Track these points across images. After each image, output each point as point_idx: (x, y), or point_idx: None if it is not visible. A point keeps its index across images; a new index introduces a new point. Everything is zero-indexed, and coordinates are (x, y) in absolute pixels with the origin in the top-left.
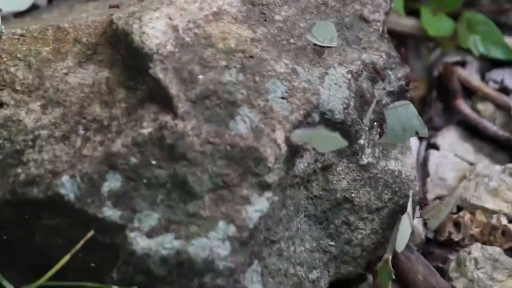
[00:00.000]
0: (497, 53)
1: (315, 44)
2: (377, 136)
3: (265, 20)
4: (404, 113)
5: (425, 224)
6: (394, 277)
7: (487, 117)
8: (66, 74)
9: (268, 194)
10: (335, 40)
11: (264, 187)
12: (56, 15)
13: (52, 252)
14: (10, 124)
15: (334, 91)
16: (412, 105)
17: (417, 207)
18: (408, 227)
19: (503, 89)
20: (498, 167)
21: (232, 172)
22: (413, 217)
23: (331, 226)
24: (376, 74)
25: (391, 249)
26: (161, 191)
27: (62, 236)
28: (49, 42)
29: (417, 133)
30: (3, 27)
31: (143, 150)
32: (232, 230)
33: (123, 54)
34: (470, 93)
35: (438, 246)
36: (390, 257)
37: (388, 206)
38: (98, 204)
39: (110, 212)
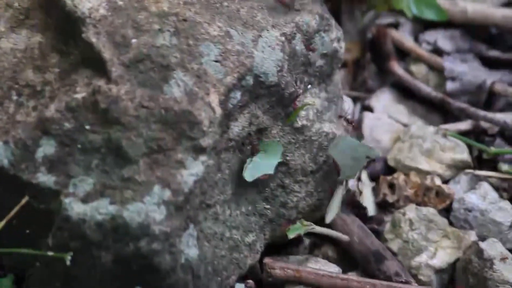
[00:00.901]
0: (430, 15)
1: None
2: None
3: None
4: (346, 144)
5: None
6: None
7: (420, 78)
8: None
9: (203, 157)
10: None
11: (199, 150)
12: None
13: None
14: None
15: (268, 54)
16: (349, 136)
17: None
18: (340, 194)
19: (436, 50)
20: (431, 128)
21: (167, 136)
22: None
23: (267, 189)
24: (307, 49)
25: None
26: (96, 156)
27: None
28: None
29: (368, 157)
30: None
31: (77, 115)
32: (167, 194)
33: (55, 18)
34: (403, 54)
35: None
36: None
37: (323, 168)
38: (32, 170)
39: (45, 178)
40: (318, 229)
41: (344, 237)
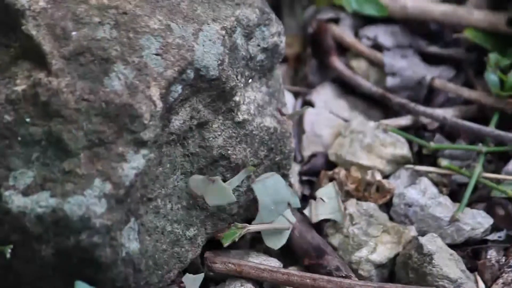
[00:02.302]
0: (370, 10)
1: None
2: (254, 95)
3: None
4: (273, 184)
5: (301, 182)
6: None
7: (361, 73)
8: None
9: (144, 151)
10: None
11: (140, 144)
12: None
13: None
14: None
15: (209, 48)
16: (278, 175)
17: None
18: None
19: (376, 46)
20: (372, 124)
21: (108, 129)
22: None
23: None
24: None
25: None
26: (36, 149)
27: None
28: None
29: (289, 205)
30: None
31: (17, 108)
32: (108, 187)
33: None
34: (344, 50)
35: None
36: None
37: (264, 163)
38: None
39: None
40: (254, 227)
41: (285, 227)
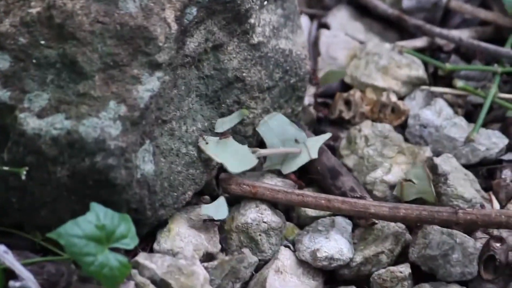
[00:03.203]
0: None
1: None
2: (269, 17)
3: None
4: (277, 124)
5: (317, 103)
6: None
7: None
8: None
9: (159, 73)
10: None
11: (154, 66)
12: None
13: None
14: None
15: None
16: (281, 114)
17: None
18: None
19: None
20: (387, 45)
21: (122, 52)
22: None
23: (223, 105)
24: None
25: None
26: (51, 71)
27: None
28: None
29: (296, 141)
30: None
31: (31, 30)
32: (123, 109)
33: None
34: None
35: (329, 124)
36: None
37: (279, 85)
38: None
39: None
40: (265, 151)
41: (296, 150)
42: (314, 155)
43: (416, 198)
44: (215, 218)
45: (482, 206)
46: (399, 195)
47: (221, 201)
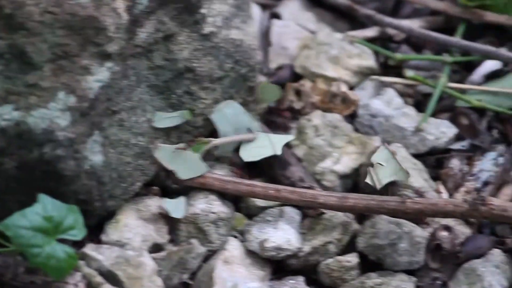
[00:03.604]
0: None
1: None
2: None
3: None
4: (231, 112)
5: None
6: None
7: None
8: None
9: (109, 64)
10: None
11: (105, 56)
12: None
13: None
14: None
15: None
16: (236, 102)
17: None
18: None
19: None
20: (338, 35)
21: (72, 42)
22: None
23: (173, 96)
24: None
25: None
26: (0, 62)
27: None
28: None
29: (249, 130)
30: None
31: None
32: (72, 100)
33: None
34: None
35: (280, 115)
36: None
37: (230, 75)
38: None
39: None
40: (218, 141)
41: (250, 137)
42: (279, 152)
43: (389, 181)
44: (172, 215)
45: (420, 194)
46: (371, 183)
47: (182, 200)
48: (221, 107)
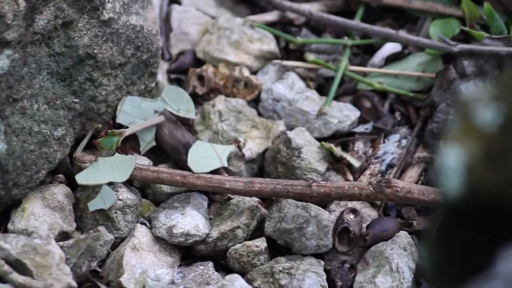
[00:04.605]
0: None
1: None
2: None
3: None
4: (131, 107)
5: (170, 79)
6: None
7: None
8: None
9: (8, 51)
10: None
11: (3, 44)
12: None
13: None
14: None
15: None
16: (129, 96)
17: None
18: None
19: None
20: (239, 20)
21: None
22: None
23: (75, 83)
24: None
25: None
26: None
27: None
28: None
29: (156, 111)
30: None
31: None
32: None
33: None
34: None
35: None
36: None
37: (132, 61)
38: None
39: None
40: (130, 130)
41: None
42: (225, 164)
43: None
44: (106, 208)
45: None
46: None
47: (106, 189)
48: (120, 108)
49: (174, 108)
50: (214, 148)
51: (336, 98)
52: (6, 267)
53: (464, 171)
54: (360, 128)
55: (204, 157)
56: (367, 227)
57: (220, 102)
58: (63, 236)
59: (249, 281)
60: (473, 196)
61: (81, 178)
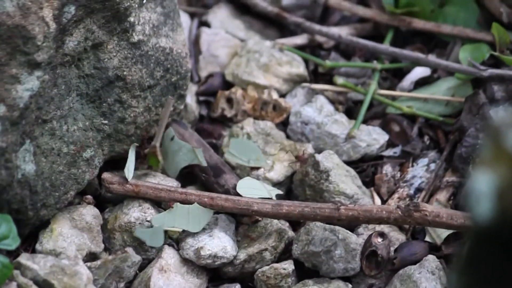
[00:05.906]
0: None
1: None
2: (149, 15)
3: None
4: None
5: (198, 101)
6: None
7: None
8: None
9: (38, 73)
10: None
11: (33, 65)
12: None
13: None
14: None
15: None
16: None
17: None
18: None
19: None
20: (268, 43)
21: (0, 51)
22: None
23: (104, 104)
24: None
25: (158, 137)
26: None
27: None
28: None
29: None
30: None
31: None
32: (2, 109)
33: None
34: None
35: (212, 122)
36: (158, 145)
37: (160, 83)
38: None
39: None
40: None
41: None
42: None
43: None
44: (149, 244)
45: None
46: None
47: (159, 230)
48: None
49: (244, 160)
50: (264, 186)
51: (365, 121)
52: None
53: (494, 196)
54: (389, 152)
55: (254, 188)
56: (395, 250)
57: (248, 125)
58: (91, 257)
59: None
60: (503, 221)
61: (156, 221)
